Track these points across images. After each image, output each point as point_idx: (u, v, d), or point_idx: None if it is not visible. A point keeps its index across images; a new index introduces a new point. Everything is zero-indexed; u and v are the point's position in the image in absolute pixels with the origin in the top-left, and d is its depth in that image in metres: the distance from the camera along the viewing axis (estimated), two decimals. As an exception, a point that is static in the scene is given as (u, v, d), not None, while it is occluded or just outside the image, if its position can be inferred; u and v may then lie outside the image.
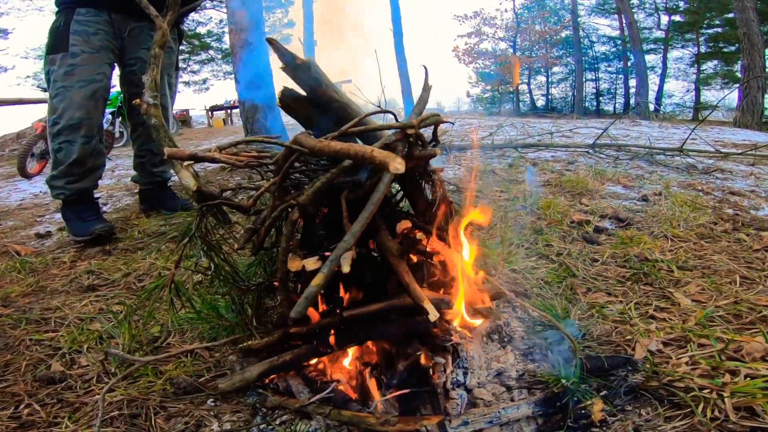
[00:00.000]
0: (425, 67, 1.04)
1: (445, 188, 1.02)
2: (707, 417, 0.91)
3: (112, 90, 2.76)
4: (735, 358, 1.08)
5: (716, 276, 1.60)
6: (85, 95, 2.29)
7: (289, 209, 0.91)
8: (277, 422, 0.98)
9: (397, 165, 0.62)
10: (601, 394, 1.01)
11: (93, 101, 2.33)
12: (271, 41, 0.98)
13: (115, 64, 2.54)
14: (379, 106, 1.06)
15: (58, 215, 3.03)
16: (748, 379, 0.99)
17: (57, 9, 2.39)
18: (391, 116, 1.02)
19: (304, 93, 1.06)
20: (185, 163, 0.89)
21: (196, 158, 0.81)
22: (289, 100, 1.05)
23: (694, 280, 1.56)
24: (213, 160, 0.82)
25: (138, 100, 2.17)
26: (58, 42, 2.31)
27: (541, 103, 23.94)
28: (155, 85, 1.55)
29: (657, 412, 0.95)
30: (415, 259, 1.05)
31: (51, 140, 2.34)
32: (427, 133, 1.02)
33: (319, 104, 1.05)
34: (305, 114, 1.06)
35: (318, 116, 1.05)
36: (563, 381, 0.99)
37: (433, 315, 0.80)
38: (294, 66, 0.98)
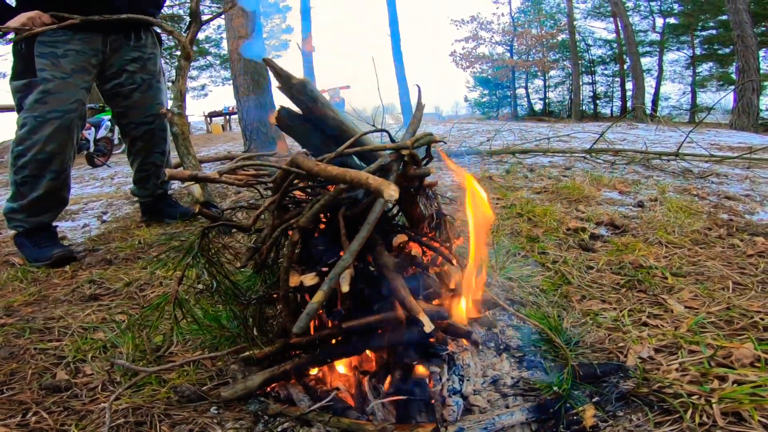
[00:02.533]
0: (418, 87, 1.08)
1: (440, 202, 1.06)
2: (695, 422, 0.93)
3: None
4: (724, 365, 1.11)
5: (709, 282, 1.63)
6: (60, 127, 2.10)
7: (290, 229, 0.94)
8: (279, 429, 1.00)
9: (391, 192, 0.64)
10: (594, 400, 1.03)
11: (67, 133, 2.15)
12: (267, 61, 1.01)
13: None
14: (373, 124, 1.09)
15: (60, 224, 3.06)
16: (736, 385, 1.01)
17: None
18: (385, 134, 1.05)
19: (300, 111, 1.09)
20: (183, 186, 0.92)
21: (197, 179, 0.84)
22: (285, 119, 1.07)
23: (688, 287, 1.59)
24: (213, 181, 0.85)
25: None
26: (23, 67, 2.08)
27: (538, 107, 24.05)
28: (180, 95, 1.57)
29: (647, 417, 0.98)
30: (411, 270, 1.08)
31: (13, 171, 2.13)
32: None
33: (315, 122, 1.07)
34: (302, 132, 1.09)
35: (314, 134, 1.08)
36: (555, 388, 1.02)
37: (428, 326, 0.83)
38: (290, 85, 1.01)
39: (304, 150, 1.08)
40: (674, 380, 1.05)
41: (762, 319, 1.33)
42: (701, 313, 1.39)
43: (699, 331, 1.28)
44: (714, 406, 0.96)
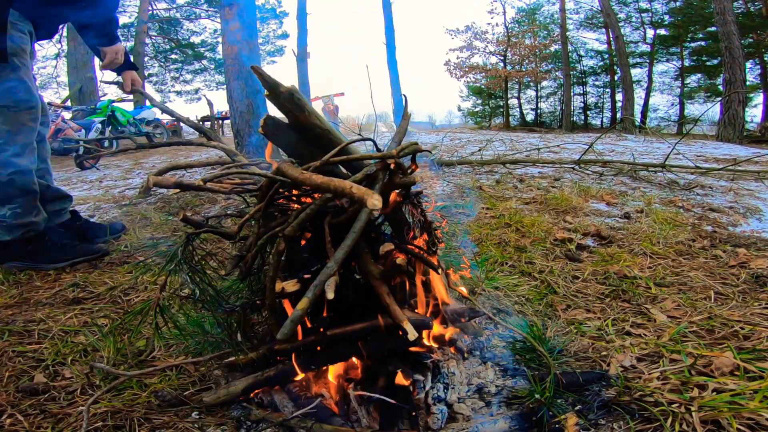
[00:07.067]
0: (405, 96, 1.08)
1: (425, 210, 1.06)
2: (676, 430, 0.94)
3: (103, 98, 2.63)
4: (704, 373, 1.12)
5: (692, 292, 1.65)
6: (34, 118, 2.01)
7: (276, 238, 0.94)
8: (261, 436, 1.00)
9: (375, 201, 0.65)
10: (576, 408, 1.04)
11: (37, 124, 2.06)
12: (255, 69, 1.01)
13: None
14: (360, 133, 1.10)
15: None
16: (715, 393, 1.03)
17: None
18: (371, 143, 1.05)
19: (287, 120, 1.09)
20: (171, 191, 0.92)
21: (182, 187, 0.84)
22: (272, 127, 1.07)
23: (671, 297, 1.61)
24: (198, 189, 0.85)
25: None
26: None
27: (530, 117, 24.27)
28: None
29: (628, 426, 0.98)
30: (397, 279, 1.08)
31: None
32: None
33: (301, 131, 1.08)
34: (288, 140, 1.10)
35: (301, 143, 1.08)
36: (537, 396, 1.03)
37: (412, 335, 0.83)
38: (277, 93, 1.01)
39: (290, 159, 1.08)
40: (655, 389, 1.06)
41: (742, 328, 1.35)
42: (683, 322, 1.41)
43: (681, 340, 1.30)
44: (693, 414, 0.97)
